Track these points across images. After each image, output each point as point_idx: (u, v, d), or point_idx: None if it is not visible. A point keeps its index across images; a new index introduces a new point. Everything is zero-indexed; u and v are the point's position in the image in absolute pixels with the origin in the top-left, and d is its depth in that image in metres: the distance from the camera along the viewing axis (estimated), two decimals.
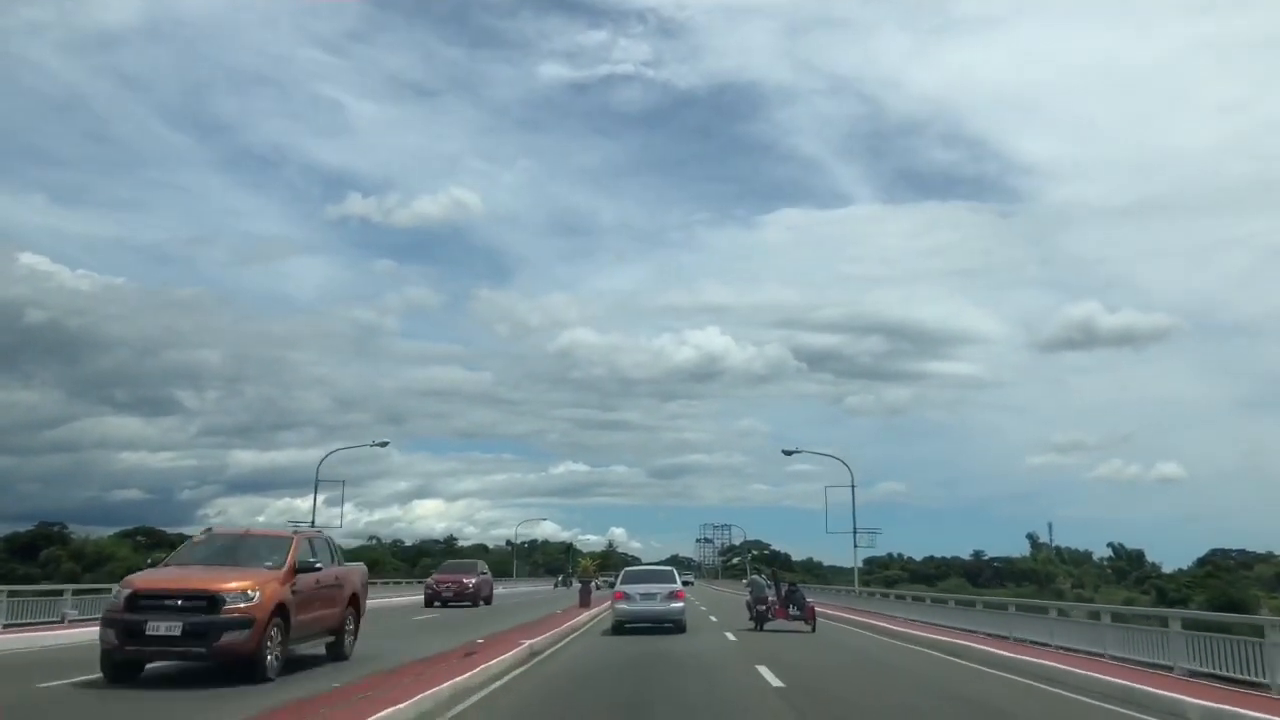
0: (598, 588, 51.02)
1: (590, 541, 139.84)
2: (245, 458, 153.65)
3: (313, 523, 37.33)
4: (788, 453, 39.82)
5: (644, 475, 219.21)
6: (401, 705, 8.27)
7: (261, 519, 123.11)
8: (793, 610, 21.89)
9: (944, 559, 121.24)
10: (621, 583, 21.16)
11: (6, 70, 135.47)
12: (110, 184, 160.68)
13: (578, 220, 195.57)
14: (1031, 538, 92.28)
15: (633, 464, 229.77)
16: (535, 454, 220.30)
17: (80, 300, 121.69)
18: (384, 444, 42.65)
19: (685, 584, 21.58)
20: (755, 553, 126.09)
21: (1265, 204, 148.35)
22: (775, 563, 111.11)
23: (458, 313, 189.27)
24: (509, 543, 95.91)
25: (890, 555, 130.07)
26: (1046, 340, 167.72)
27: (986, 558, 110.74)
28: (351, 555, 20.94)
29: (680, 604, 20.56)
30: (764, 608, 21.67)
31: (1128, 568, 77.26)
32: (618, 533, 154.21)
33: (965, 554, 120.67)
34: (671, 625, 20.27)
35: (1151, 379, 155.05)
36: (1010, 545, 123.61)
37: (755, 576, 24.45)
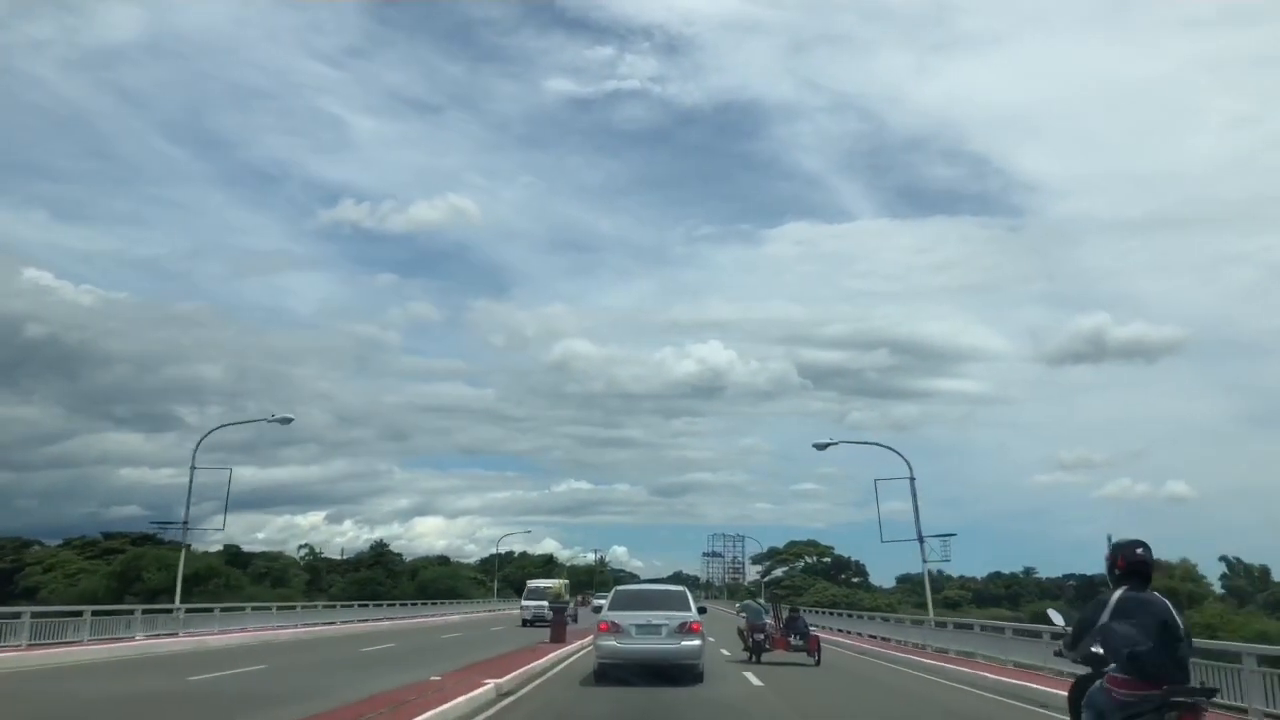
0: None
1: (587, 560, 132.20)
2: (246, 474, 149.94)
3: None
4: (820, 446, 30.72)
5: (646, 493, 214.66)
6: None
7: (262, 535, 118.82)
8: (794, 640, 20.44)
9: (1012, 576, 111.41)
10: (611, 608, 15.70)
11: (8, 86, 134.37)
12: (111, 199, 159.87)
13: (581, 236, 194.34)
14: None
15: (635, 482, 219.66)
16: (538, 471, 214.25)
17: (81, 315, 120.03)
18: (288, 420, 33.06)
19: (699, 612, 16.00)
20: (807, 560, 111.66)
21: (1272, 219, 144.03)
22: (850, 571, 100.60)
23: (460, 328, 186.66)
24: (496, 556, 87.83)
25: (939, 573, 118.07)
26: (1054, 354, 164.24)
27: (1063, 576, 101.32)
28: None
29: (696, 642, 15.06)
30: (761, 636, 20.27)
31: (1250, 588, 66.54)
32: (619, 551, 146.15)
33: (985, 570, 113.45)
34: (681, 673, 14.91)
35: (1161, 394, 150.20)
36: (1032, 562, 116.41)
37: (750, 602, 21.08)
